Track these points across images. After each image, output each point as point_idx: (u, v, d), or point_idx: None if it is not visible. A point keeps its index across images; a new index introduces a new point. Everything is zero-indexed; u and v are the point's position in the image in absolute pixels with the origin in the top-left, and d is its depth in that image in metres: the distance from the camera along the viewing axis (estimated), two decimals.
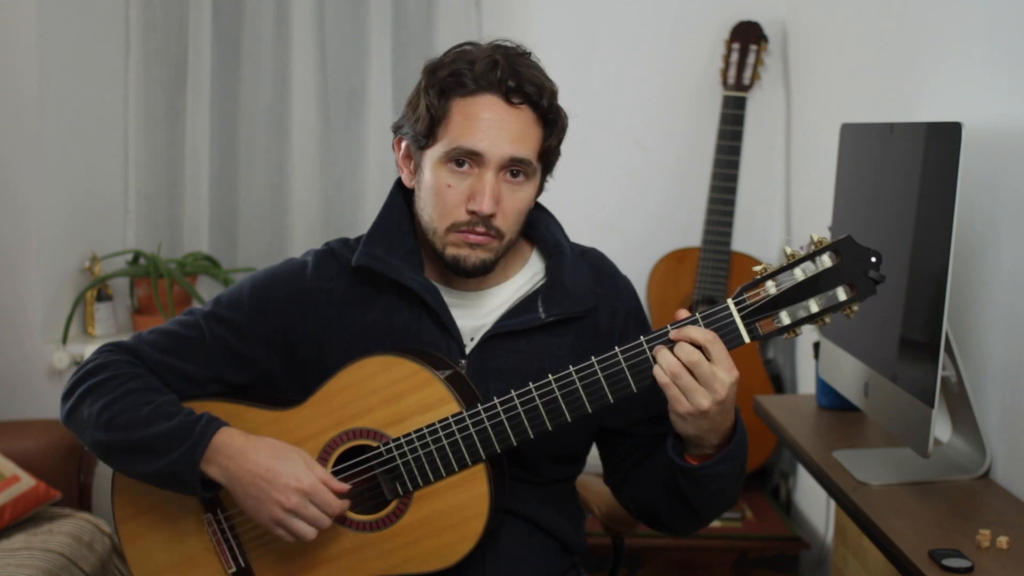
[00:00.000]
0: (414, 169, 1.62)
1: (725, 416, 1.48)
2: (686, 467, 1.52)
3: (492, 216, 1.54)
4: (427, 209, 1.58)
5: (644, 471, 1.65)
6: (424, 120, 1.55)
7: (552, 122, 1.58)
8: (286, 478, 1.52)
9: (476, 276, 1.60)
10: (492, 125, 1.53)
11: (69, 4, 3.18)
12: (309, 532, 1.53)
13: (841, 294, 1.40)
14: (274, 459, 1.53)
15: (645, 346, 1.46)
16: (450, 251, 1.57)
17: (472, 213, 1.54)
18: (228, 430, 1.56)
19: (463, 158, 1.54)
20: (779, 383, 3.26)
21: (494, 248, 1.58)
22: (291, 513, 1.52)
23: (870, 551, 2.18)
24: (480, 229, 1.55)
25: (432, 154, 1.56)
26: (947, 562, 1.49)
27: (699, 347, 1.43)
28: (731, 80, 3.24)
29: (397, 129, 1.63)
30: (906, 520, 1.67)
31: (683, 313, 1.48)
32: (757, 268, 1.43)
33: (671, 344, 1.45)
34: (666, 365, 1.43)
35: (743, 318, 1.43)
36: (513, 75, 1.53)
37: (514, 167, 1.55)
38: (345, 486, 1.55)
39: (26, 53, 3.06)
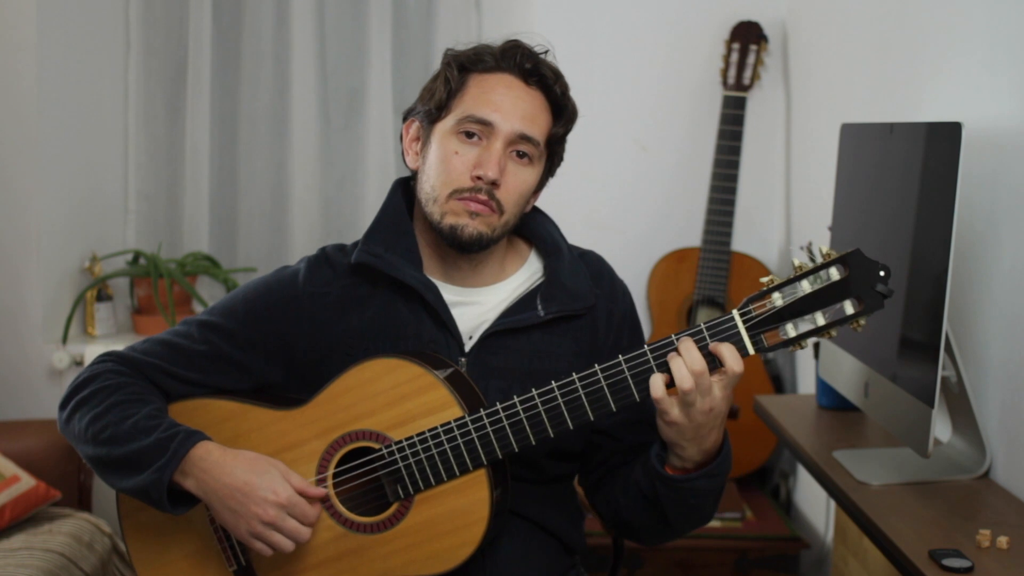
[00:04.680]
0: (421, 148, 1.64)
1: (711, 430, 1.47)
2: (666, 476, 1.52)
3: (495, 186, 1.56)
4: (430, 180, 1.60)
5: (622, 478, 1.64)
6: (441, 93, 1.60)
7: (562, 108, 1.62)
8: (264, 491, 1.52)
9: (472, 251, 1.60)
10: (506, 99, 1.58)
11: (69, 4, 3.18)
12: (288, 545, 1.53)
13: (848, 308, 1.39)
14: (251, 472, 1.53)
15: (649, 355, 1.46)
16: (448, 220, 1.58)
17: (477, 179, 1.56)
18: (206, 444, 1.56)
19: (473, 129, 1.57)
20: (779, 383, 3.26)
21: (492, 223, 1.58)
22: (269, 526, 1.52)
23: (870, 551, 2.18)
24: (482, 197, 1.57)
25: (443, 125, 1.60)
26: (947, 562, 1.49)
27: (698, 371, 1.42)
28: (731, 80, 3.24)
29: (410, 111, 1.66)
30: (906, 520, 1.67)
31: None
32: (764, 280, 1.42)
33: (665, 365, 1.44)
34: (679, 378, 1.41)
35: (748, 330, 1.42)
36: (531, 59, 1.60)
37: (521, 146, 1.58)
38: (322, 491, 1.56)
39: (26, 53, 3.06)
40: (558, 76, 1.62)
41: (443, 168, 1.58)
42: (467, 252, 1.61)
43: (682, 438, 1.47)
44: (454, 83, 1.59)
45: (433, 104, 1.60)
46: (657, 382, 1.44)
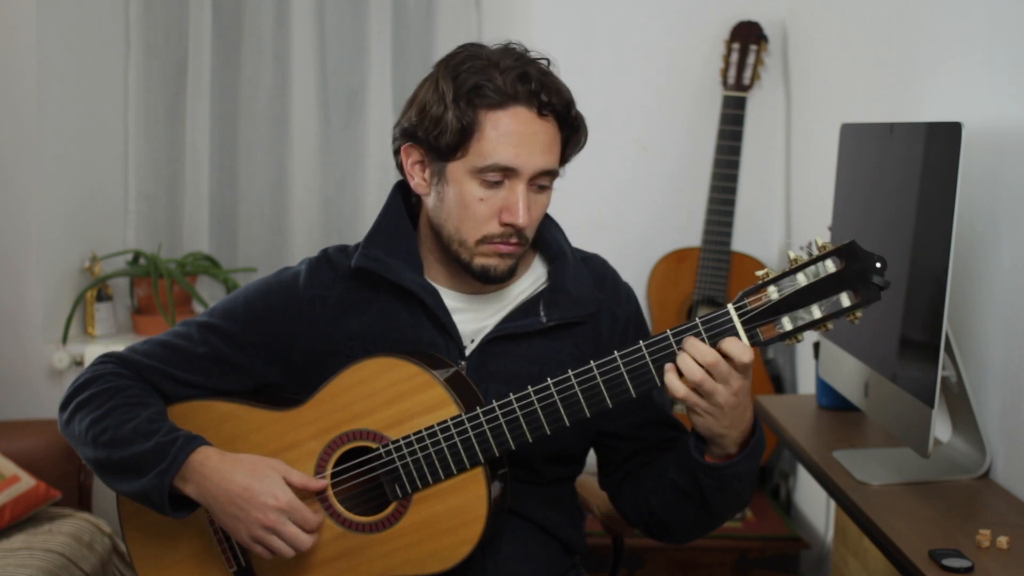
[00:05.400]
0: (430, 177, 1.59)
1: (744, 409, 1.46)
2: (710, 466, 1.50)
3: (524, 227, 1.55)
4: (452, 220, 1.57)
5: (651, 480, 1.63)
6: (453, 132, 1.52)
7: (575, 130, 1.59)
8: (264, 496, 1.52)
9: (502, 282, 1.61)
10: (525, 139, 1.53)
11: (69, 4, 3.18)
12: (287, 550, 1.54)
13: (845, 300, 1.38)
14: (251, 477, 1.53)
15: (644, 351, 1.45)
16: (479, 261, 1.57)
17: (506, 225, 1.55)
18: (205, 449, 1.56)
19: (498, 178, 1.53)
20: (779, 383, 3.26)
21: (518, 254, 1.59)
22: (269, 531, 1.53)
23: (870, 551, 2.18)
24: (513, 240, 1.56)
25: (460, 167, 1.54)
26: (947, 562, 1.49)
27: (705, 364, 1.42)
28: (731, 80, 3.24)
29: (407, 135, 1.59)
30: (906, 520, 1.67)
31: None
32: (759, 273, 1.41)
33: (674, 348, 1.43)
34: (688, 372, 1.41)
35: (744, 323, 1.42)
36: (544, 87, 1.53)
37: (542, 180, 1.56)
38: (323, 483, 1.56)
39: (26, 53, 3.07)
40: (570, 105, 1.57)
41: (468, 214, 1.55)
42: (497, 283, 1.61)
43: (720, 426, 1.46)
44: (466, 122, 1.51)
45: (443, 144, 1.53)
46: (675, 382, 1.42)
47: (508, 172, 1.53)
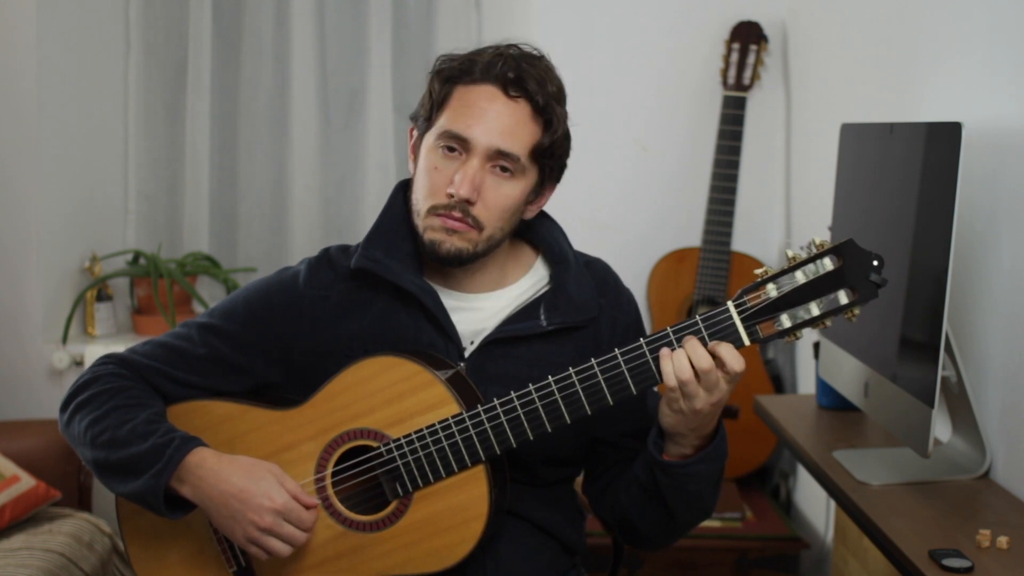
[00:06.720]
0: (416, 158, 1.63)
1: (712, 418, 1.49)
2: (665, 463, 1.53)
3: (470, 203, 1.55)
4: (415, 192, 1.61)
5: (623, 479, 1.65)
6: (426, 105, 1.59)
7: (548, 121, 1.57)
8: (259, 498, 1.52)
9: (452, 265, 1.60)
10: (485, 114, 1.55)
11: (69, 4, 3.18)
12: (284, 550, 1.54)
13: (843, 297, 1.39)
14: (246, 479, 1.53)
15: (645, 348, 1.46)
16: (428, 235, 1.58)
17: (451, 196, 1.55)
18: (201, 450, 1.56)
19: (453, 144, 1.55)
20: (779, 383, 3.26)
21: (471, 239, 1.57)
22: (266, 532, 1.53)
23: (870, 551, 2.18)
24: (456, 214, 1.55)
25: (428, 138, 1.59)
26: (947, 562, 1.49)
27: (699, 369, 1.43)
28: (731, 80, 3.24)
29: (411, 119, 1.66)
30: (906, 520, 1.67)
31: None
32: (758, 271, 1.43)
33: (675, 346, 1.45)
34: (678, 368, 1.43)
35: (743, 320, 1.43)
36: (515, 69, 1.55)
37: (501, 161, 1.55)
38: (315, 500, 1.56)
39: (26, 53, 3.07)
40: (542, 85, 1.56)
41: (424, 182, 1.58)
42: (448, 266, 1.60)
43: (685, 427, 1.48)
44: (435, 96, 1.58)
45: (423, 115, 1.61)
46: (668, 368, 1.44)
47: (463, 143, 1.55)
